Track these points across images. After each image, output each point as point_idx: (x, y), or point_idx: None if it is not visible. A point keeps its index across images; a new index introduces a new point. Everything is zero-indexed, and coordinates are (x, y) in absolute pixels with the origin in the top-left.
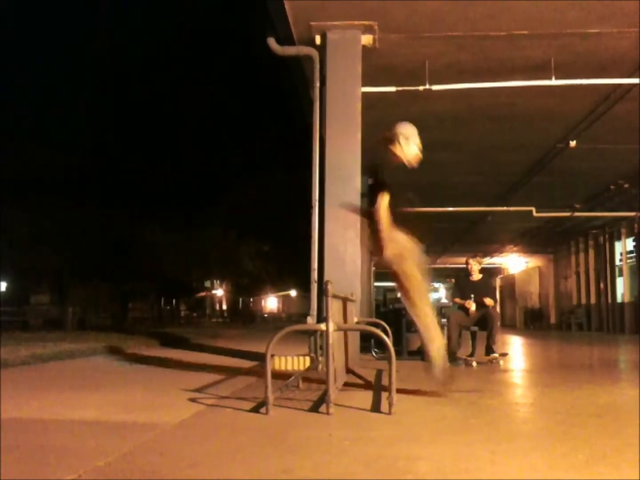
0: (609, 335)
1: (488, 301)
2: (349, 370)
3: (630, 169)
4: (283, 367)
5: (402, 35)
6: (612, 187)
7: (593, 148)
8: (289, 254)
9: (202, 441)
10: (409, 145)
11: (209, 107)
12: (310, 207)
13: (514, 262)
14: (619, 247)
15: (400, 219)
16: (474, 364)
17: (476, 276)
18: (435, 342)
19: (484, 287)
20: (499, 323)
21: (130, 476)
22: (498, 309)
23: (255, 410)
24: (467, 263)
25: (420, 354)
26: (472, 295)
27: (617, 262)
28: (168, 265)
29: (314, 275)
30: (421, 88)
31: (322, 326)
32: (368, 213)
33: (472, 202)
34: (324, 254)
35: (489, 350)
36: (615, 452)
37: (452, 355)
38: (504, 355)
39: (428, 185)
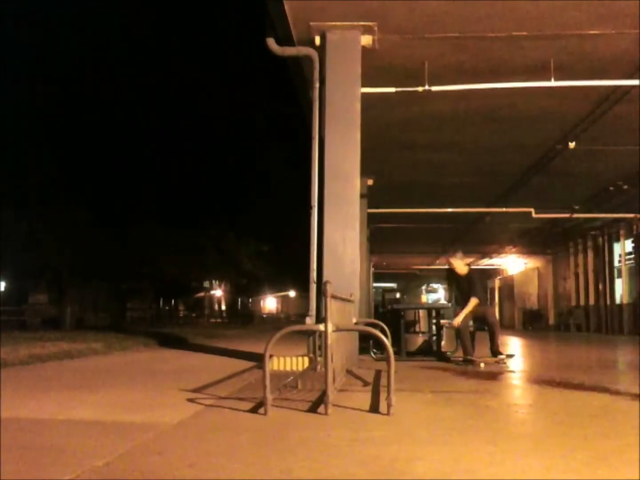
0: (607, 336)
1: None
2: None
3: (629, 171)
4: (282, 368)
5: (401, 36)
6: (611, 188)
7: (592, 149)
8: (287, 254)
9: (200, 441)
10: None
11: (207, 106)
12: (309, 207)
13: (513, 263)
14: (617, 248)
15: None
16: (482, 364)
17: (461, 270)
18: None
19: (467, 282)
20: (498, 327)
21: (129, 476)
22: (497, 310)
23: (254, 410)
24: (448, 263)
25: (421, 353)
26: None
27: (616, 264)
28: (167, 265)
29: (313, 275)
30: (420, 89)
31: (321, 326)
32: None
33: (471, 202)
34: (323, 254)
35: (496, 353)
36: (614, 453)
37: (468, 360)
38: (510, 356)
39: (427, 186)
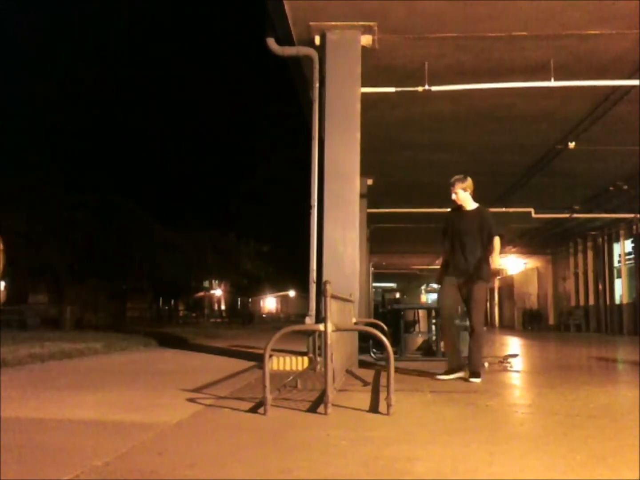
0: (607, 336)
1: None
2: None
3: (629, 171)
4: (282, 368)
5: (401, 35)
6: (611, 188)
7: (592, 149)
8: (287, 254)
9: (200, 441)
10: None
11: (207, 106)
12: (309, 207)
13: (513, 263)
14: (617, 248)
15: None
16: (486, 364)
17: (468, 205)
18: None
19: (477, 220)
20: (482, 339)
21: (129, 476)
22: (496, 311)
23: (254, 410)
24: (452, 194)
25: (421, 351)
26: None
27: (616, 264)
28: (167, 265)
29: (313, 275)
30: (420, 89)
31: (321, 326)
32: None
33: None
34: (322, 254)
35: (474, 374)
36: (614, 454)
37: (455, 369)
38: (514, 356)
39: (427, 186)
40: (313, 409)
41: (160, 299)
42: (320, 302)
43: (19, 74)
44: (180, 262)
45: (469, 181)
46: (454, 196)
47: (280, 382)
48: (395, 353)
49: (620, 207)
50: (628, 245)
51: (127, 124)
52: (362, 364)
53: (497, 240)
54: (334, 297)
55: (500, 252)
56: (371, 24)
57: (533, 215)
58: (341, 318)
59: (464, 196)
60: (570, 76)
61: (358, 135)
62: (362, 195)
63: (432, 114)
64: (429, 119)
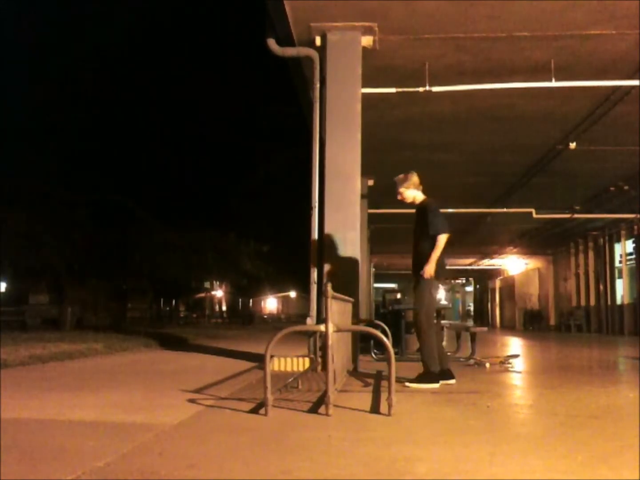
0: (608, 336)
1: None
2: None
3: (630, 171)
4: (282, 368)
5: (402, 36)
6: (611, 188)
7: (593, 149)
8: (287, 254)
9: (201, 442)
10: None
11: (207, 106)
12: (310, 207)
13: (514, 264)
14: (618, 248)
15: None
16: (487, 365)
17: (418, 201)
18: None
19: (421, 214)
20: (426, 329)
21: (129, 476)
22: (498, 311)
23: (255, 411)
24: (397, 194)
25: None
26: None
27: (617, 264)
28: (167, 265)
29: (314, 276)
30: (421, 89)
31: (322, 327)
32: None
33: (471, 203)
34: (323, 255)
35: (417, 378)
36: (614, 454)
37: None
38: (515, 356)
39: (427, 186)
40: (314, 409)
41: (161, 299)
42: (321, 302)
43: (19, 74)
44: (180, 262)
45: (411, 178)
46: (399, 197)
47: (281, 383)
48: (396, 353)
49: (621, 207)
50: (629, 245)
51: (127, 124)
52: (363, 365)
53: (439, 239)
54: (334, 297)
55: (445, 255)
56: (372, 24)
57: (534, 215)
58: (342, 319)
59: (410, 194)
60: (571, 76)
61: (359, 136)
62: (362, 196)
63: (432, 114)
64: (429, 119)
